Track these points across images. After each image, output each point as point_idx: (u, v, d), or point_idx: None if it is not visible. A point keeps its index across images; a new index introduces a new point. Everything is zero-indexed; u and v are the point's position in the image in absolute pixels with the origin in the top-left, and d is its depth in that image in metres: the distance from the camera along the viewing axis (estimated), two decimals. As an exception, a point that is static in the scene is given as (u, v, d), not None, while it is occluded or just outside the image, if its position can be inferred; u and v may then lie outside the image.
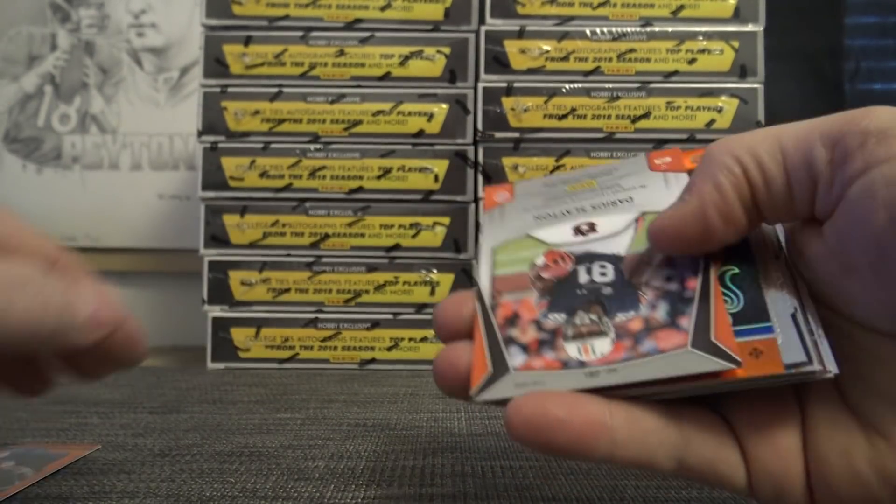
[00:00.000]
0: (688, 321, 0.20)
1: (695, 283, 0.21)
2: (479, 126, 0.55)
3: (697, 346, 0.20)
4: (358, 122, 0.56)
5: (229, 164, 0.56)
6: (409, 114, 0.56)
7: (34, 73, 0.78)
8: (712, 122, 0.55)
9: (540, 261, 0.24)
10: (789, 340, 0.19)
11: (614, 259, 0.23)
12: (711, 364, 0.19)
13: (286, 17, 0.57)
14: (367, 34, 0.57)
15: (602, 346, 0.21)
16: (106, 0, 0.78)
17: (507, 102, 0.56)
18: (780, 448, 0.20)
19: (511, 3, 0.56)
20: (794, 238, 0.21)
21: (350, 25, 0.57)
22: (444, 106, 0.56)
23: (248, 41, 0.57)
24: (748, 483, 0.20)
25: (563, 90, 0.56)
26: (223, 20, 0.57)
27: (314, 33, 0.57)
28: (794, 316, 0.20)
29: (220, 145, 0.56)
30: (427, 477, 0.29)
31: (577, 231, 0.24)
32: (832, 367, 0.19)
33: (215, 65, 0.57)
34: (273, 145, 0.56)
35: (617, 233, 0.24)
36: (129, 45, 0.78)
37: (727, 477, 0.20)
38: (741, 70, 0.56)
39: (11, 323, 0.18)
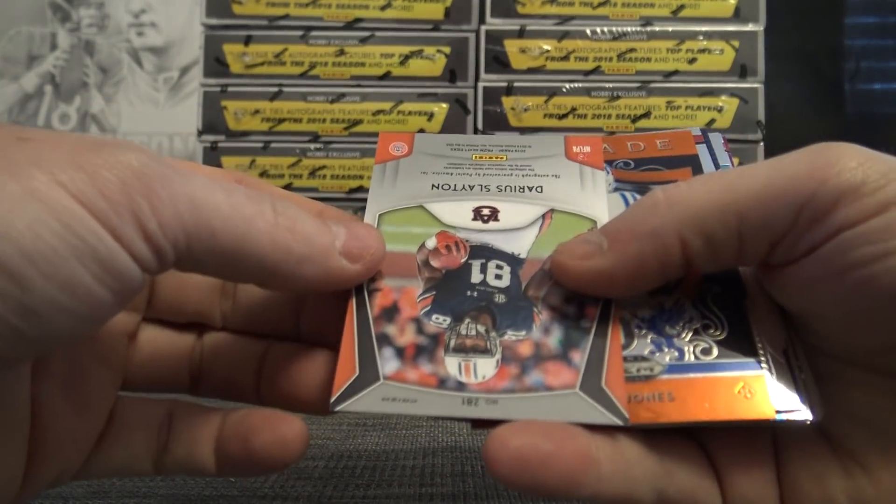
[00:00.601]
0: (580, 357, 0.19)
1: (594, 312, 0.19)
2: (480, 126, 0.55)
3: (586, 390, 0.18)
4: (358, 122, 0.56)
5: (229, 164, 0.56)
6: (410, 113, 0.56)
7: (34, 73, 0.78)
8: (713, 121, 0.55)
9: (431, 243, 0.21)
10: (783, 380, 0.18)
11: (513, 261, 0.21)
12: (597, 415, 0.18)
13: (286, 17, 0.57)
14: (367, 34, 0.57)
15: (485, 367, 0.19)
16: (106, 0, 0.78)
17: (508, 102, 0.56)
18: (756, 478, 0.19)
19: (511, 3, 0.56)
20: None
21: (350, 25, 0.57)
22: (445, 105, 0.56)
23: (248, 40, 0.57)
24: None
25: (564, 90, 0.56)
26: (223, 20, 0.57)
27: (314, 33, 0.57)
28: (786, 352, 0.18)
29: (220, 145, 0.56)
30: (427, 477, 0.29)
31: (478, 215, 0.22)
32: (820, 413, 0.18)
33: (215, 64, 0.57)
34: (273, 145, 0.56)
35: (520, 227, 0.21)
36: (129, 44, 0.78)
37: None
38: (741, 70, 0.56)
39: (255, 237, 0.17)
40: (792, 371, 0.18)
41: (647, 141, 0.24)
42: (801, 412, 0.18)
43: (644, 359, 0.19)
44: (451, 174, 0.23)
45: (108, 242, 0.15)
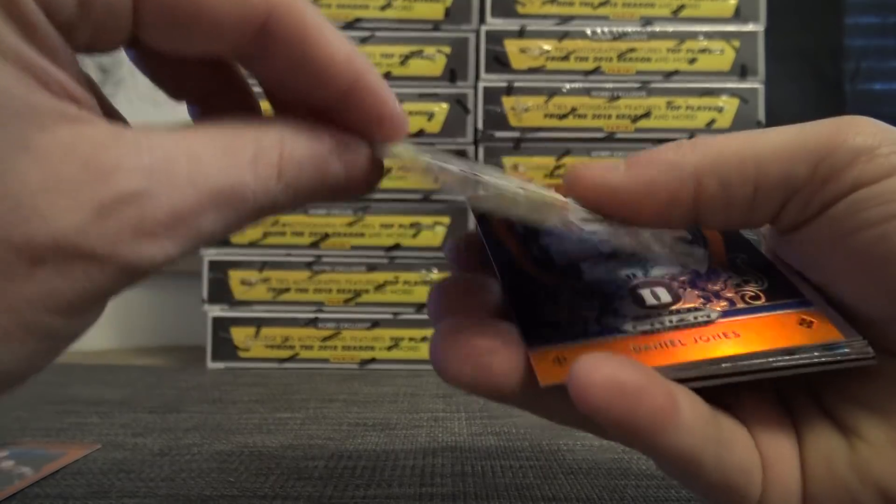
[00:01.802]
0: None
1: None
2: (480, 125, 0.55)
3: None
4: (358, 122, 0.56)
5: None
6: (410, 113, 0.56)
7: (34, 73, 0.78)
8: (713, 121, 0.55)
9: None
10: (833, 315, 0.18)
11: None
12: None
13: (286, 17, 0.57)
14: (367, 34, 0.57)
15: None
16: None
17: (508, 102, 0.56)
18: (787, 456, 0.19)
19: (511, 3, 0.56)
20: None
21: (350, 25, 0.57)
22: (445, 105, 0.56)
23: (248, 41, 0.57)
24: (760, 495, 0.19)
25: (564, 90, 0.56)
26: (223, 19, 0.57)
27: (314, 33, 0.57)
28: (826, 301, 0.19)
29: (220, 145, 0.56)
30: (427, 477, 0.29)
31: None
32: (873, 355, 0.18)
33: (215, 64, 0.57)
34: (273, 145, 0.56)
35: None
36: (129, 44, 0.78)
37: (752, 485, 0.19)
38: (742, 70, 0.56)
39: None
40: (838, 312, 0.18)
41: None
42: (860, 339, 0.18)
43: (697, 309, 0.19)
44: None
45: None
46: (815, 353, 0.17)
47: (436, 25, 0.57)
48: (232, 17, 0.15)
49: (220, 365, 0.55)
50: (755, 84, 0.56)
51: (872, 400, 0.19)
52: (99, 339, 0.77)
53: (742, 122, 0.55)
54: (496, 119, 0.55)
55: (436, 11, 0.57)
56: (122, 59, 0.77)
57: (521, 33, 0.56)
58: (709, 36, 0.56)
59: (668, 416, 0.16)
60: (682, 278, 0.20)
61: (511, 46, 0.56)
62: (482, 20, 0.57)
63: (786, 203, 0.18)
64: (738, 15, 0.56)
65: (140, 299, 0.78)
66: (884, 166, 0.17)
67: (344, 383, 0.49)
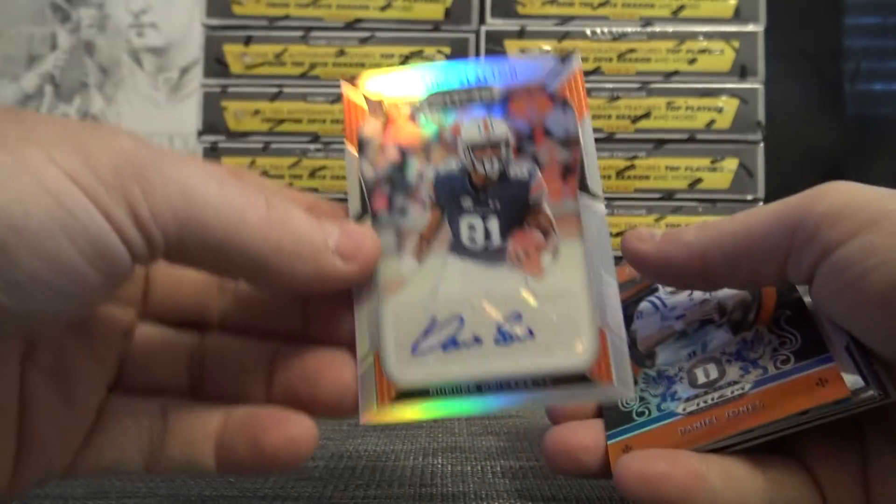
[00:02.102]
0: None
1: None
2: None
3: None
4: (358, 122, 0.56)
5: (229, 164, 0.56)
6: (410, 114, 0.56)
7: (34, 73, 0.78)
8: (712, 122, 0.55)
9: None
10: (850, 369, 0.20)
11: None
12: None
13: (286, 17, 0.57)
14: (367, 34, 0.57)
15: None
16: (106, 0, 0.78)
17: (508, 102, 0.56)
18: (849, 483, 0.21)
19: (511, 3, 0.56)
20: None
21: (350, 25, 0.57)
22: (445, 106, 0.56)
23: (248, 41, 0.57)
24: None
25: (564, 90, 0.56)
26: (223, 20, 0.57)
27: (314, 33, 0.57)
28: (847, 348, 0.20)
29: (220, 145, 0.56)
30: (427, 477, 0.29)
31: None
32: (893, 393, 0.20)
33: (215, 65, 0.57)
34: (273, 145, 0.56)
35: None
36: (129, 44, 0.78)
37: None
38: (741, 70, 0.56)
39: (243, 230, 0.17)
40: (855, 361, 0.20)
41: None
42: (871, 391, 0.20)
43: (735, 382, 0.22)
44: None
45: (98, 222, 0.15)
46: (825, 411, 0.20)
47: (436, 26, 0.57)
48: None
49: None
50: (755, 84, 0.56)
51: None
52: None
53: (742, 122, 0.55)
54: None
55: (436, 12, 0.57)
56: (122, 60, 0.77)
57: (521, 33, 0.56)
58: (709, 36, 0.56)
59: (692, 490, 0.20)
60: (731, 351, 0.23)
61: (511, 47, 0.56)
62: (482, 20, 0.57)
63: (783, 266, 0.21)
64: (738, 15, 0.56)
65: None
66: (847, 228, 0.19)
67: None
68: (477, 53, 0.56)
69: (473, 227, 0.22)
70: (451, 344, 0.21)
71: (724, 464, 0.21)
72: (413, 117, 0.23)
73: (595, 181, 0.22)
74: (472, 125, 0.23)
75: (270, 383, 0.22)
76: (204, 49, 0.57)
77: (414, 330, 0.21)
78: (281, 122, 0.56)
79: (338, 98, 0.56)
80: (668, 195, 0.55)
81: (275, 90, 0.56)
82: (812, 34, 0.78)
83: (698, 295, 0.25)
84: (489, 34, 0.56)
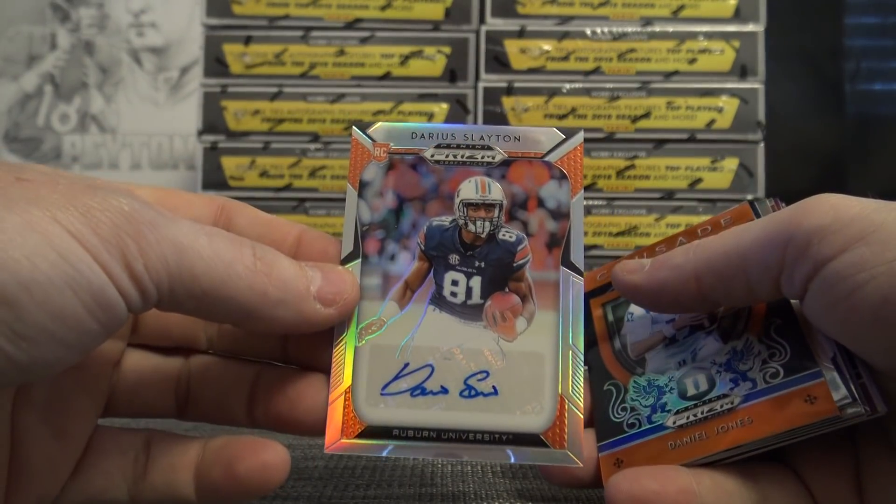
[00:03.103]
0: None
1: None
2: (479, 124, 0.55)
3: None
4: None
5: (229, 164, 0.56)
6: (410, 114, 0.56)
7: (34, 73, 0.78)
8: (713, 121, 0.55)
9: None
10: (836, 385, 0.20)
11: None
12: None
13: (286, 17, 0.57)
14: (367, 34, 0.57)
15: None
16: (106, 0, 0.78)
17: (508, 102, 0.56)
18: (842, 490, 0.21)
19: (511, 3, 0.56)
20: None
21: (350, 25, 0.57)
22: (445, 106, 0.56)
23: (248, 41, 0.57)
24: None
25: (564, 90, 0.56)
26: (223, 20, 0.57)
27: (314, 33, 0.57)
28: (834, 360, 0.20)
29: (220, 145, 0.56)
30: (427, 477, 0.29)
31: None
32: (881, 407, 0.20)
33: (215, 64, 0.57)
34: (273, 145, 0.56)
35: None
36: (129, 44, 0.78)
37: None
38: (742, 70, 0.56)
39: (228, 283, 0.18)
40: (843, 375, 0.20)
41: (714, 223, 0.26)
42: (858, 407, 0.20)
43: (725, 395, 0.22)
44: None
45: (98, 275, 0.16)
46: (813, 430, 0.20)
47: (436, 25, 0.57)
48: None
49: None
50: (755, 84, 0.56)
51: None
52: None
53: (742, 122, 0.55)
54: (496, 119, 0.55)
55: (436, 11, 0.57)
56: (121, 60, 0.77)
57: (521, 33, 0.56)
58: (709, 36, 0.56)
59: None
60: (721, 361, 0.23)
61: (511, 46, 0.56)
62: (482, 20, 0.57)
63: (777, 281, 0.21)
64: (738, 15, 0.56)
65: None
66: (837, 243, 0.19)
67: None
68: (477, 53, 0.56)
69: (457, 282, 0.23)
70: (419, 390, 0.22)
71: (715, 478, 0.21)
72: (415, 168, 0.24)
73: (578, 256, 0.23)
74: (470, 184, 0.24)
75: (253, 404, 0.23)
76: (204, 49, 0.57)
77: (386, 372, 0.22)
78: (281, 121, 0.56)
79: (338, 97, 0.56)
80: (669, 195, 0.55)
81: (275, 90, 0.56)
82: (812, 34, 0.78)
83: None
84: (489, 34, 0.56)
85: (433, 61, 0.56)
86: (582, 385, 0.22)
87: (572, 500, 0.26)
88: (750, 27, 0.56)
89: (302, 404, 0.22)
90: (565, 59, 0.56)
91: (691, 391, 0.23)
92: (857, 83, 0.79)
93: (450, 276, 0.23)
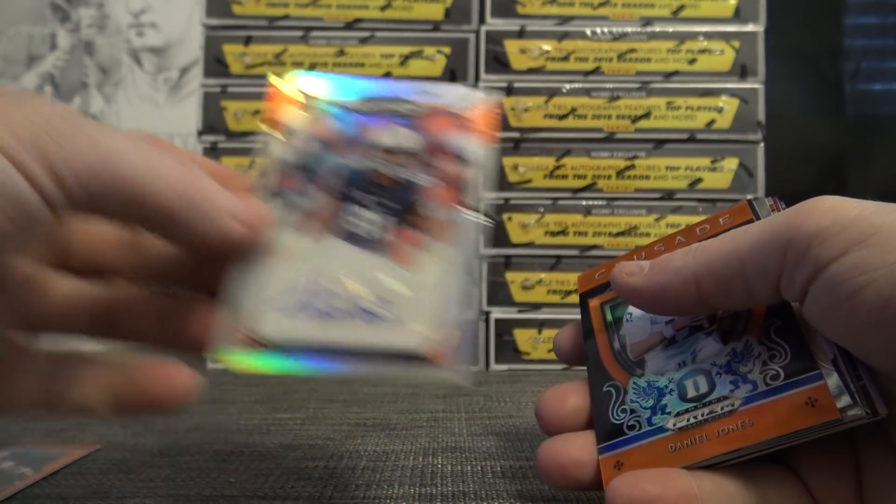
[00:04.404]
0: None
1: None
2: (480, 126, 0.55)
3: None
4: (358, 122, 0.56)
5: (229, 164, 0.56)
6: (410, 113, 0.56)
7: (34, 73, 0.78)
8: (712, 121, 0.55)
9: None
10: (836, 388, 0.20)
11: None
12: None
13: (286, 17, 0.57)
14: (367, 34, 0.57)
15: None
16: (105, 0, 0.78)
17: (508, 102, 0.56)
18: (842, 493, 0.21)
19: (511, 3, 0.56)
20: None
21: (350, 25, 0.57)
22: (445, 106, 0.56)
23: (248, 41, 0.57)
24: None
25: (564, 90, 0.56)
26: (223, 20, 0.57)
27: (314, 33, 0.57)
28: (834, 361, 0.20)
29: (220, 145, 0.56)
30: (427, 477, 0.29)
31: None
32: (882, 409, 0.20)
33: (215, 64, 0.57)
34: (273, 145, 0.56)
35: None
36: (129, 44, 0.78)
37: None
38: (741, 70, 0.56)
39: (152, 182, 0.19)
40: (843, 377, 0.20)
41: (712, 221, 0.27)
42: (859, 410, 0.19)
43: (725, 397, 0.22)
44: None
45: (9, 172, 0.17)
46: (815, 433, 0.20)
47: (436, 26, 0.57)
48: None
49: (221, 365, 0.55)
50: (755, 84, 0.56)
51: None
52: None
53: (741, 122, 0.55)
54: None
55: (436, 12, 0.57)
56: (121, 60, 0.77)
57: (521, 33, 0.56)
58: (709, 36, 0.56)
59: None
60: (721, 362, 0.23)
61: (511, 47, 0.56)
62: (482, 20, 0.57)
63: (777, 284, 0.21)
64: (738, 15, 0.56)
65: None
66: (837, 246, 0.19)
67: (344, 383, 0.49)
68: (477, 53, 0.56)
69: (366, 219, 0.24)
70: (318, 312, 0.23)
71: (716, 480, 0.21)
72: (338, 117, 0.26)
73: (475, 198, 0.25)
74: (387, 131, 0.26)
75: (162, 325, 0.24)
76: (204, 49, 0.57)
77: (290, 295, 0.23)
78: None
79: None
80: (669, 195, 0.55)
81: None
82: (812, 34, 0.78)
83: None
84: (489, 34, 0.56)
85: (433, 61, 0.56)
86: (474, 313, 0.23)
87: (572, 500, 0.26)
88: (750, 27, 0.56)
89: (205, 324, 0.24)
90: (565, 59, 0.56)
91: (691, 393, 0.23)
92: (856, 83, 0.79)
93: (362, 213, 0.24)
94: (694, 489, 0.20)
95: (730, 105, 0.55)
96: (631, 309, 0.26)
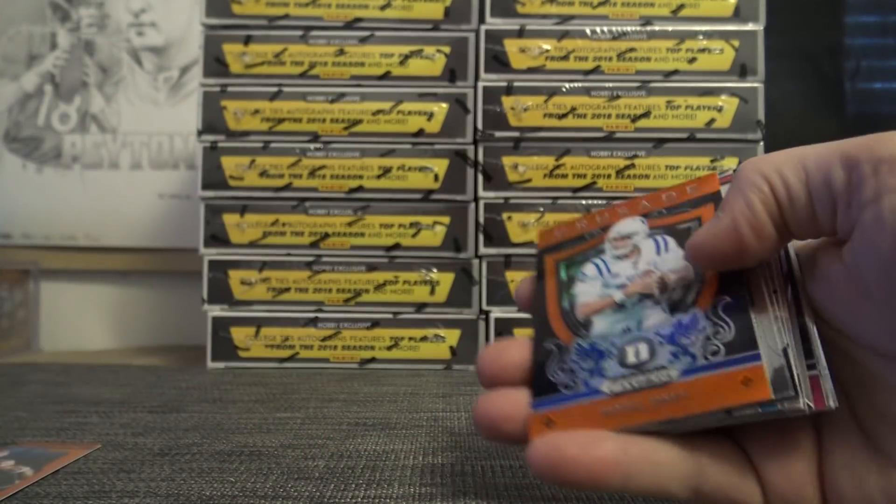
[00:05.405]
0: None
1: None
2: (479, 125, 0.55)
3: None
4: (358, 122, 0.56)
5: (229, 164, 0.56)
6: (409, 113, 0.56)
7: (34, 73, 0.78)
8: (712, 121, 0.55)
9: None
10: (781, 373, 0.20)
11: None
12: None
13: (286, 17, 0.57)
14: (366, 33, 0.57)
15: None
16: (106, 0, 0.78)
17: (507, 101, 0.56)
18: (795, 474, 0.20)
19: (511, 2, 0.56)
20: (816, 258, 0.22)
21: (350, 24, 0.57)
22: (444, 105, 0.56)
23: (247, 40, 0.57)
24: None
25: (563, 89, 0.56)
26: (223, 19, 0.57)
27: (314, 32, 0.57)
28: (785, 351, 0.20)
29: (220, 144, 0.56)
30: (427, 477, 0.29)
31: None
32: (831, 403, 0.19)
33: (215, 64, 0.57)
34: (273, 144, 0.56)
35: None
36: (129, 44, 0.78)
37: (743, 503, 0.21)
38: (741, 69, 0.56)
39: None
40: (788, 364, 0.20)
41: (679, 189, 0.26)
42: (798, 400, 0.19)
43: (663, 367, 0.22)
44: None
45: None
46: (748, 413, 0.20)
47: (436, 25, 0.57)
48: None
49: (220, 365, 0.55)
50: (755, 83, 0.56)
51: None
52: (99, 338, 0.77)
53: (742, 121, 0.55)
54: (496, 119, 0.55)
55: (436, 11, 0.57)
56: (121, 59, 0.77)
57: (520, 33, 0.56)
58: (708, 35, 0.56)
59: (602, 475, 0.20)
60: (665, 332, 0.23)
61: (511, 46, 0.56)
62: (482, 20, 0.57)
63: (835, 208, 0.20)
64: (738, 14, 0.56)
65: (140, 299, 0.78)
66: None
67: (344, 383, 0.49)
68: (477, 52, 0.56)
69: None
70: None
71: (646, 447, 0.20)
72: None
73: None
74: None
75: None
76: (204, 48, 0.57)
77: None
78: (280, 121, 0.56)
79: (338, 97, 0.56)
80: (668, 194, 0.55)
81: (274, 90, 0.56)
82: (812, 33, 0.78)
83: (643, 265, 0.25)
84: (489, 34, 0.56)
85: (433, 61, 0.56)
86: None
87: (572, 499, 0.26)
88: (749, 26, 0.56)
89: None
90: (565, 58, 0.56)
91: (631, 359, 0.22)
92: (857, 82, 0.79)
93: None
94: (616, 455, 0.20)
95: (730, 104, 0.55)
96: (586, 269, 0.26)
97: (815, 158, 0.20)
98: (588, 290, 0.25)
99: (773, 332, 0.21)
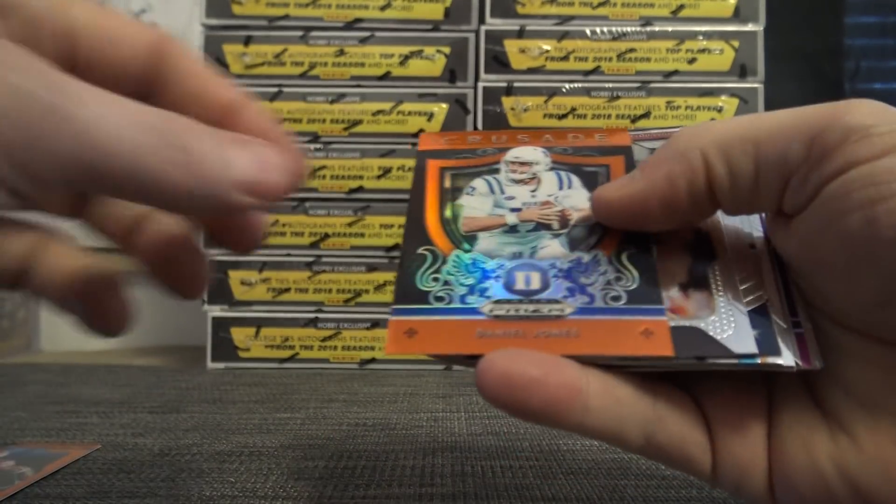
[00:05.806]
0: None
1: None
2: (479, 126, 0.55)
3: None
4: (358, 122, 0.56)
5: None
6: (409, 113, 0.56)
7: (34, 73, 0.78)
8: (712, 121, 0.55)
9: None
10: (684, 329, 0.19)
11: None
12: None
13: (286, 17, 0.57)
14: (366, 34, 0.57)
15: None
16: (106, 0, 0.78)
17: (507, 102, 0.56)
18: (746, 436, 0.20)
19: (511, 3, 0.56)
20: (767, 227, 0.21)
21: (350, 25, 0.57)
22: (444, 105, 0.56)
23: (247, 41, 0.57)
24: (712, 469, 0.20)
25: (563, 90, 0.56)
26: (223, 20, 0.57)
27: (314, 33, 0.57)
28: (752, 312, 0.20)
29: (220, 145, 0.56)
30: (427, 477, 0.29)
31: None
32: (817, 363, 0.19)
33: (215, 64, 0.57)
34: (273, 145, 0.56)
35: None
36: (129, 44, 0.78)
37: (693, 460, 0.20)
38: (741, 70, 0.56)
39: (140, 173, 0.17)
40: (754, 324, 0.19)
41: (587, 133, 0.26)
42: (783, 356, 0.19)
43: (556, 301, 0.20)
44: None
45: None
46: (645, 365, 0.19)
47: (435, 25, 0.57)
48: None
49: (220, 365, 0.55)
50: (755, 84, 0.56)
51: (862, 392, 0.19)
52: (98, 339, 0.77)
53: (742, 121, 0.55)
54: (496, 119, 0.55)
55: (436, 11, 0.57)
56: (121, 60, 0.77)
57: (520, 33, 0.56)
58: (708, 36, 0.56)
59: (563, 403, 0.18)
60: (562, 266, 0.21)
61: (511, 46, 0.56)
62: (482, 20, 0.57)
63: (786, 183, 0.18)
64: (738, 15, 0.56)
65: (140, 299, 0.78)
66: (877, 146, 0.17)
67: (344, 383, 0.49)
68: (477, 53, 0.56)
69: None
70: None
71: (608, 381, 0.19)
72: None
73: None
74: None
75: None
76: (204, 49, 0.57)
77: None
78: (281, 121, 0.56)
79: (338, 97, 0.56)
80: (668, 195, 0.55)
81: (274, 90, 0.56)
82: (812, 33, 0.78)
83: (542, 195, 0.23)
84: (489, 34, 0.56)
85: (433, 61, 0.56)
86: None
87: (572, 499, 0.26)
88: (749, 27, 0.56)
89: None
90: (565, 58, 0.56)
91: (520, 286, 0.21)
92: (856, 82, 0.79)
93: None
94: (579, 382, 0.18)
95: (729, 105, 0.55)
96: (475, 183, 0.24)
97: (768, 129, 0.19)
98: (476, 204, 0.24)
99: (737, 293, 0.20)
